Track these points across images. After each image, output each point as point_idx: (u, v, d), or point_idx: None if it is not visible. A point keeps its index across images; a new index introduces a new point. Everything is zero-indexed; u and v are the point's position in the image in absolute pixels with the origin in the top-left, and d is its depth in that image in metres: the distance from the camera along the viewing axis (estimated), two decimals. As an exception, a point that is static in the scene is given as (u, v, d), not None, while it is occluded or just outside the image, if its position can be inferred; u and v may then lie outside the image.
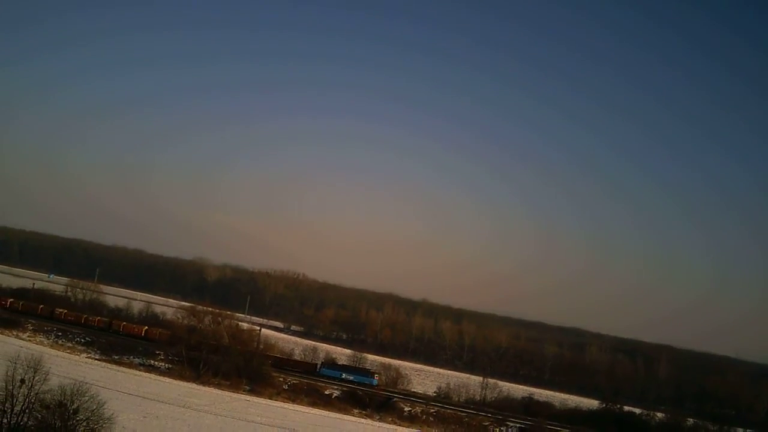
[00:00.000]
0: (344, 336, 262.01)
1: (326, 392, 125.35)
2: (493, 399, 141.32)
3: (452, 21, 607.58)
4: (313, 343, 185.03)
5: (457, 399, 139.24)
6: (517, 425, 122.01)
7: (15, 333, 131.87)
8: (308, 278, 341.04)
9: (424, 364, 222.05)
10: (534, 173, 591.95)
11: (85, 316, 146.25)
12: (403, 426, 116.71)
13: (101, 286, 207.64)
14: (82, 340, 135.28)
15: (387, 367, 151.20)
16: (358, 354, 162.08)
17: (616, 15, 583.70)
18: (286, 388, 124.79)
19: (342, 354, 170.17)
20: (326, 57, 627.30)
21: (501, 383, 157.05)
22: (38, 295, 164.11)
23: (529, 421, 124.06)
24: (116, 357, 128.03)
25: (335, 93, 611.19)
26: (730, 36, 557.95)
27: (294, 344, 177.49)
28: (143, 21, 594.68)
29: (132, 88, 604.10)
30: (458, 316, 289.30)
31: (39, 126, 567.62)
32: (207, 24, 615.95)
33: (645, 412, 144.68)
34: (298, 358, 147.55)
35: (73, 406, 56.53)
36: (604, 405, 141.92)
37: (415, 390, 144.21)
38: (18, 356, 61.35)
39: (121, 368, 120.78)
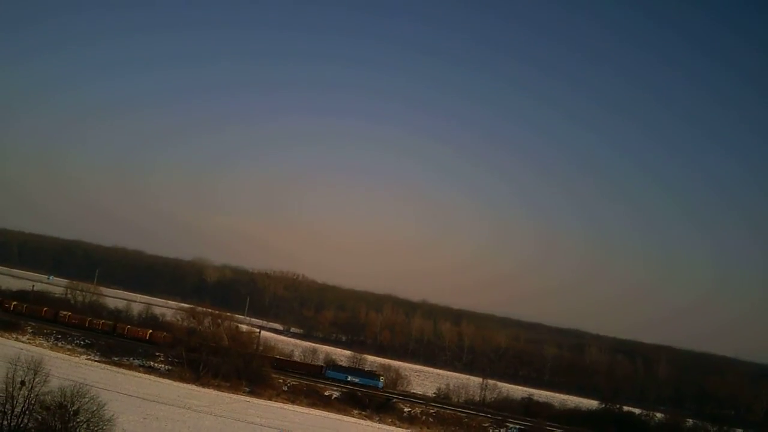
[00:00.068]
0: (344, 338, 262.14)
1: (326, 393, 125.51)
2: (492, 400, 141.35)
3: (452, 21, 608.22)
4: (313, 344, 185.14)
5: (456, 400, 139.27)
6: (517, 426, 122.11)
7: (15, 335, 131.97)
8: (307, 279, 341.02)
9: (424, 365, 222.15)
10: (534, 173, 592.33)
11: (89, 318, 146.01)
12: (402, 427, 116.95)
13: (101, 287, 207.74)
14: (82, 342, 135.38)
15: (386, 369, 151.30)
16: (358, 355, 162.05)
17: (616, 15, 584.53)
18: (286, 389, 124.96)
19: (341, 355, 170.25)
20: (326, 57, 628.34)
21: (500, 384, 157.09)
22: (38, 297, 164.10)
23: (528, 421, 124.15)
24: (116, 359, 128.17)
25: (335, 93, 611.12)
26: (730, 36, 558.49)
27: (294, 346, 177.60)
28: (143, 22, 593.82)
29: (132, 88, 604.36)
30: (457, 317, 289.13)
31: (38, 127, 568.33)
32: (207, 24, 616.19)
33: (644, 412, 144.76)
34: (298, 360, 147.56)
35: (73, 408, 56.68)
36: (603, 405, 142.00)
37: (414, 391, 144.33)
38: (18, 358, 61.53)
39: (121, 370, 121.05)
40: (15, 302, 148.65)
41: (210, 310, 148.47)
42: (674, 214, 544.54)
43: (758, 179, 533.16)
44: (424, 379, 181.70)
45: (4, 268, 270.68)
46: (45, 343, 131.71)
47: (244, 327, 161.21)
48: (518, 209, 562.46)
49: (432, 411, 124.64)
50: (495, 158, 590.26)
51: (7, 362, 62.17)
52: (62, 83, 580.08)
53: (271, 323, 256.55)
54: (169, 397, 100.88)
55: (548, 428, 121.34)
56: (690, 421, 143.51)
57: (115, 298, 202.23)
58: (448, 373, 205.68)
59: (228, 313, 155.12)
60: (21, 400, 57.94)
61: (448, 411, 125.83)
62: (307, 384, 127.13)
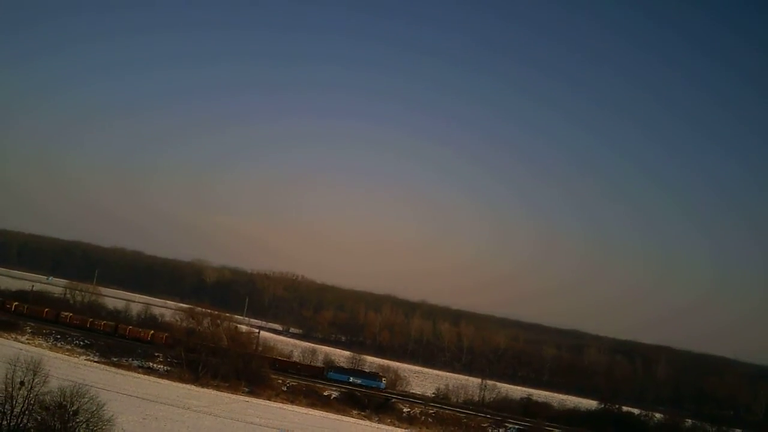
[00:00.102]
0: (343, 338, 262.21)
1: (325, 393, 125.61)
2: (491, 400, 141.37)
3: (452, 22, 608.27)
4: (312, 345, 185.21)
5: (455, 400, 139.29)
6: (516, 426, 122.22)
7: (14, 336, 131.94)
8: (307, 279, 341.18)
9: (423, 366, 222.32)
10: (534, 174, 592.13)
11: (91, 319, 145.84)
12: (401, 427, 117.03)
13: (100, 288, 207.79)
14: (81, 343, 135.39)
15: (386, 369, 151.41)
16: (357, 356, 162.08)
17: (616, 15, 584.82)
18: (285, 389, 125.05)
19: (341, 356, 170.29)
20: (326, 58, 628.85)
21: (499, 384, 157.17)
22: (37, 298, 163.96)
23: (527, 422, 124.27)
24: (115, 359, 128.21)
25: (335, 94, 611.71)
26: (730, 36, 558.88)
27: (293, 346, 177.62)
28: (143, 22, 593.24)
29: (131, 89, 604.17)
30: (457, 317, 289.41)
31: (38, 128, 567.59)
32: (206, 25, 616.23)
33: (643, 412, 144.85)
34: (297, 360, 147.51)
35: (72, 408, 56.69)
36: (602, 406, 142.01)
37: (413, 391, 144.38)
38: (17, 359, 61.56)
39: (120, 370, 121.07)
40: (16, 303, 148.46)
41: (209, 311, 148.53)
42: (674, 214, 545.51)
43: (758, 179, 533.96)
44: (423, 379, 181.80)
45: (4, 268, 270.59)
46: (44, 344, 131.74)
47: (243, 327, 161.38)
48: (518, 210, 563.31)
49: (431, 411, 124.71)
50: (495, 159, 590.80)
51: (6, 362, 62.22)
52: (62, 84, 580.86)
53: (270, 324, 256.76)
54: (168, 398, 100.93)
55: (547, 428, 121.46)
56: (689, 422, 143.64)
57: (114, 298, 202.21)
58: (447, 373, 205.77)
59: (227, 314, 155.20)
60: (20, 400, 57.93)
61: (447, 411, 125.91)
62: (306, 384, 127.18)
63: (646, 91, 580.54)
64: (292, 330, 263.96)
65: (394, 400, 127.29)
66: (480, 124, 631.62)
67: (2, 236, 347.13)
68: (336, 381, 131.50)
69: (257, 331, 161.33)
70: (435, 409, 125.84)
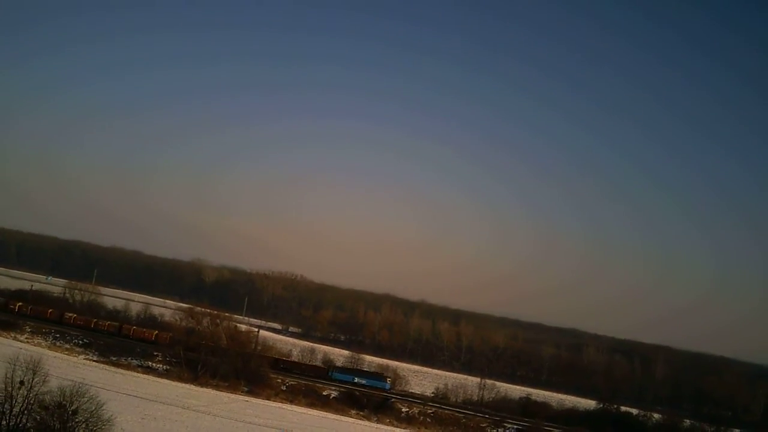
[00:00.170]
0: (342, 337, 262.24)
1: (324, 393, 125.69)
2: (490, 400, 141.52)
3: (452, 22, 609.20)
4: (311, 344, 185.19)
5: (454, 400, 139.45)
6: (515, 426, 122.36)
7: (13, 335, 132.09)
8: (306, 279, 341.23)
9: (422, 366, 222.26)
10: (533, 174, 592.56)
11: (95, 320, 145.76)
12: (400, 427, 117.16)
13: (99, 287, 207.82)
14: (80, 342, 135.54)
15: (385, 369, 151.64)
16: (356, 355, 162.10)
17: (616, 15, 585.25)
18: (284, 389, 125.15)
19: (340, 355, 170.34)
20: (326, 58, 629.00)
21: (498, 384, 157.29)
22: (37, 297, 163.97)
23: (526, 421, 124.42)
24: (114, 358, 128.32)
25: (335, 94, 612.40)
26: (730, 36, 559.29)
27: (292, 346, 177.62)
28: (143, 23, 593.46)
29: (131, 89, 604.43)
30: (456, 317, 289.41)
31: (38, 128, 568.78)
32: (206, 26, 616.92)
33: (642, 412, 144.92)
34: (302, 361, 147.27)
35: (72, 408, 56.70)
36: (601, 405, 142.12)
37: (412, 391, 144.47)
38: (17, 358, 61.61)
39: (119, 370, 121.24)
40: (20, 303, 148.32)
41: (208, 310, 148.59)
42: (674, 214, 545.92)
43: (758, 179, 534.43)
44: (422, 379, 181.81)
45: (3, 268, 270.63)
46: (43, 343, 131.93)
47: (242, 327, 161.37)
48: (518, 210, 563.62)
49: (430, 411, 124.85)
50: (494, 159, 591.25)
51: (5, 362, 62.26)
52: (62, 84, 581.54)
53: (269, 323, 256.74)
54: (167, 397, 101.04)
55: (546, 428, 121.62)
56: (687, 422, 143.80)
57: (113, 297, 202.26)
58: (446, 373, 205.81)
59: (226, 313, 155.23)
60: (20, 399, 57.94)
61: (446, 411, 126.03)
62: (305, 384, 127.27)
63: (646, 91, 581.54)
64: (291, 329, 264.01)
65: (393, 399, 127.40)
66: (480, 124, 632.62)
67: (1, 235, 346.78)
68: (341, 381, 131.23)
69: (256, 330, 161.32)
70: (434, 409, 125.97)
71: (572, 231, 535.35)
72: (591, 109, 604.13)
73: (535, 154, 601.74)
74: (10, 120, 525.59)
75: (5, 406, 57.71)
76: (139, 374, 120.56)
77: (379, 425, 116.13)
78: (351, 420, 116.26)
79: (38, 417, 57.36)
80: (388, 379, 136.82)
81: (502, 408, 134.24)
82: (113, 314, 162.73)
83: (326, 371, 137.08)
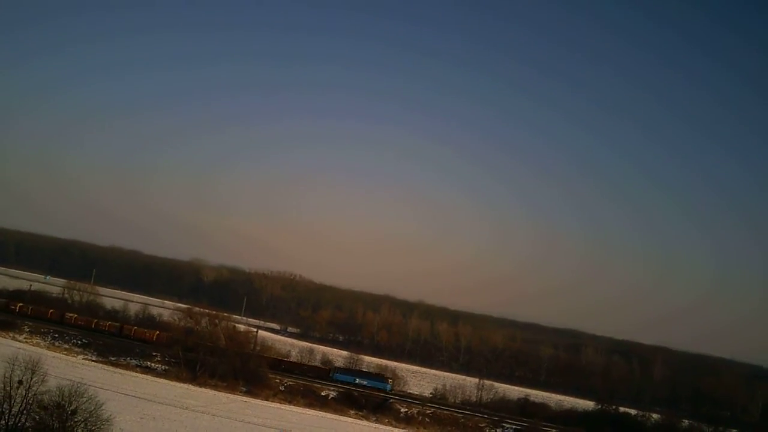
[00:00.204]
0: (341, 337, 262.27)
1: (322, 393, 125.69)
2: (489, 400, 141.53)
3: (452, 22, 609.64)
4: (310, 344, 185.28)
5: (453, 400, 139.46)
6: (513, 426, 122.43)
7: (11, 335, 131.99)
8: (305, 279, 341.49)
9: (421, 366, 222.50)
10: (533, 174, 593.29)
11: (96, 320, 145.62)
12: (399, 427, 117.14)
13: (98, 287, 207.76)
14: (79, 342, 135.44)
15: (383, 369, 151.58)
16: (355, 356, 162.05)
17: (616, 15, 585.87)
18: (283, 389, 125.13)
19: (338, 356, 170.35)
20: (326, 58, 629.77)
21: (497, 384, 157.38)
22: (35, 297, 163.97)
23: (524, 422, 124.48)
24: (113, 358, 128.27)
25: (335, 94, 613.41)
26: (730, 36, 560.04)
27: (291, 346, 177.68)
28: (143, 23, 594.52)
29: (131, 90, 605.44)
30: (454, 317, 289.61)
31: (38, 128, 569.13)
32: (206, 26, 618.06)
33: (640, 413, 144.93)
34: (296, 360, 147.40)
35: (71, 407, 56.66)
36: (599, 406, 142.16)
37: (411, 391, 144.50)
38: (16, 358, 61.59)
39: (118, 369, 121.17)
40: (21, 304, 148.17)
41: (207, 310, 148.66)
42: (674, 214, 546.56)
43: (758, 179, 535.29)
44: (420, 379, 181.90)
45: (1, 267, 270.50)
46: (42, 343, 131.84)
47: (241, 327, 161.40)
48: (517, 210, 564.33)
49: (429, 411, 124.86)
50: (494, 159, 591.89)
51: (4, 361, 62.25)
52: (62, 84, 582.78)
53: (268, 323, 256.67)
54: (166, 397, 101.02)
55: (544, 429, 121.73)
56: (686, 422, 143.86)
57: (112, 297, 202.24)
58: (445, 373, 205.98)
59: (225, 313, 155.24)
60: (18, 399, 57.89)
61: (444, 411, 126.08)
62: (304, 384, 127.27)
63: (646, 91, 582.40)
64: (289, 329, 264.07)
65: (391, 400, 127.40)
66: (480, 124, 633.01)
67: (0, 235, 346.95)
68: (342, 382, 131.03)
69: (255, 330, 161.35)
70: (432, 409, 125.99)
71: (572, 231, 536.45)
72: (591, 109, 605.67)
73: (535, 154, 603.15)
74: (9, 120, 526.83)
75: (4, 406, 57.62)
76: (137, 374, 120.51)
77: (377, 425, 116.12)
78: (350, 420, 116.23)
79: (37, 417, 57.31)
80: (390, 380, 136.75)
81: (501, 408, 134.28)
82: (112, 314, 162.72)
83: (328, 372, 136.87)
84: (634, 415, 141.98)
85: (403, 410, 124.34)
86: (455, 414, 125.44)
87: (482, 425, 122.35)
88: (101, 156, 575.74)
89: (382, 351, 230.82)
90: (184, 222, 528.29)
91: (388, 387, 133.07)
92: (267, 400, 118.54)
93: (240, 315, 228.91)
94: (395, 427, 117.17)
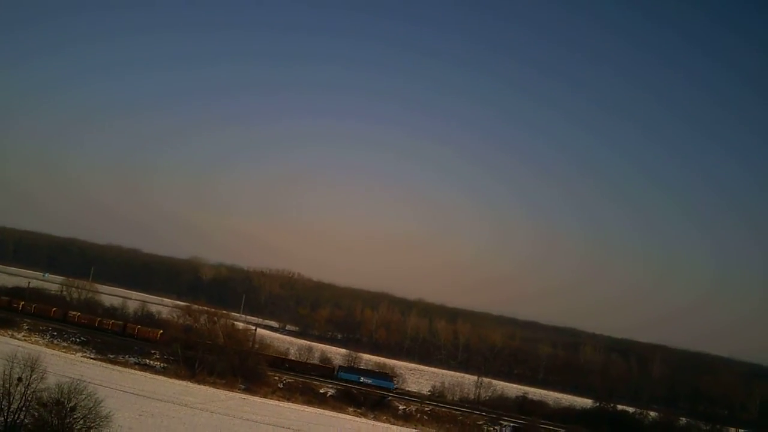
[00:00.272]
0: (339, 335, 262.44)
1: (321, 391, 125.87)
2: (487, 398, 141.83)
3: (452, 22, 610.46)
4: (308, 342, 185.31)
5: (451, 398, 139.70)
6: (511, 424, 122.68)
7: (10, 333, 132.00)
8: (303, 277, 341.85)
9: (419, 364, 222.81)
10: (533, 173, 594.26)
11: (99, 318, 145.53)
12: (397, 424, 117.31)
13: (96, 285, 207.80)
14: (78, 340, 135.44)
15: (382, 367, 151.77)
16: (354, 353, 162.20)
17: (616, 15, 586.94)
18: (281, 386, 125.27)
19: (337, 354, 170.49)
20: (326, 58, 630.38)
21: (495, 382, 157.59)
22: (34, 295, 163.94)
23: (523, 419, 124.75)
24: (111, 356, 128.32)
25: (335, 94, 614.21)
26: (730, 36, 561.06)
27: (289, 344, 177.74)
28: (143, 23, 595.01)
29: (131, 89, 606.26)
30: (453, 315, 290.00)
31: (38, 127, 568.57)
32: (206, 26, 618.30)
33: (638, 411, 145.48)
34: (297, 359, 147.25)
35: (70, 404, 56.88)
36: (597, 404, 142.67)
37: (409, 389, 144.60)
38: (15, 355, 61.76)
39: (117, 367, 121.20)
40: (23, 302, 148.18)
41: (206, 308, 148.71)
42: (674, 214, 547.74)
43: (758, 179, 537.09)
44: (419, 377, 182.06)
45: (0, 265, 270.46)
46: (40, 340, 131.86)
47: (239, 325, 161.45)
48: (517, 210, 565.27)
49: (427, 409, 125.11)
50: (494, 159, 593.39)
51: (3, 359, 62.41)
52: (62, 84, 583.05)
53: (266, 321, 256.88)
54: (164, 394, 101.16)
55: (542, 426, 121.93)
56: (683, 420, 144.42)
57: (110, 295, 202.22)
58: (443, 371, 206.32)
59: (224, 311, 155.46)
60: (18, 396, 58.12)
61: (443, 409, 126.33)
62: (302, 382, 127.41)
63: (646, 91, 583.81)
64: (288, 327, 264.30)
65: (390, 397, 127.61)
66: (480, 124, 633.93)
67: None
68: (347, 381, 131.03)
69: (254, 328, 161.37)
70: (431, 407, 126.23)
71: (572, 231, 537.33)
72: (591, 109, 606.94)
73: (535, 154, 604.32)
74: (9, 119, 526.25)
75: (3, 403, 57.86)
76: (136, 371, 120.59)
77: (376, 422, 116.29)
78: (348, 417, 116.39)
79: (36, 414, 57.51)
80: (394, 379, 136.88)
81: (499, 406, 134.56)
82: (110, 312, 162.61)
83: (332, 371, 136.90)
84: (632, 413, 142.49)
85: (401, 408, 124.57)
86: (453, 411, 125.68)
87: (480, 423, 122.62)
88: (101, 155, 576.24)
89: (380, 349, 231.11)
90: (184, 220, 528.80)
91: (392, 385, 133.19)
92: (265, 397, 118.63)
93: (238, 313, 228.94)
94: (393, 424, 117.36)
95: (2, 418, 57.91)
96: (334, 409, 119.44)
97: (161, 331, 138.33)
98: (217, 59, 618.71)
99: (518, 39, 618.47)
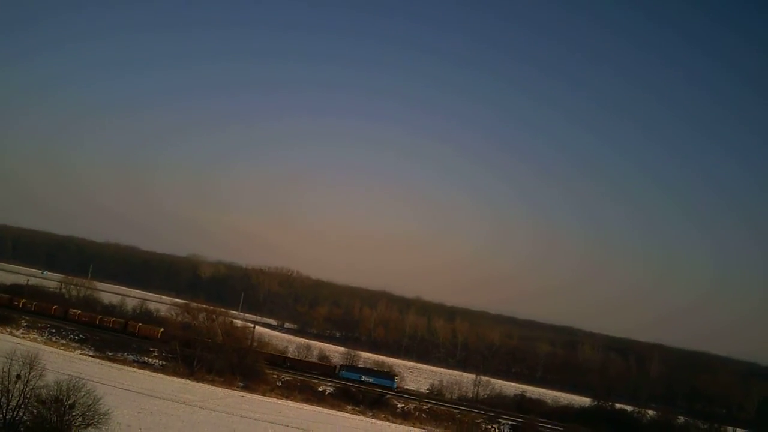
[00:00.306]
0: (337, 333, 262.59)
1: (319, 389, 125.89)
2: (485, 396, 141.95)
3: (452, 21, 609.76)
4: (307, 340, 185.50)
5: (449, 396, 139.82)
6: (509, 422, 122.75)
7: (8, 330, 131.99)
8: (302, 275, 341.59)
9: (417, 362, 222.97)
10: (533, 173, 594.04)
11: (100, 316, 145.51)
12: (395, 423, 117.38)
13: (95, 282, 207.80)
14: (76, 337, 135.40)
15: (380, 365, 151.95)
16: (352, 352, 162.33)
17: (616, 15, 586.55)
18: (280, 384, 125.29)
19: (335, 352, 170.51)
20: (326, 57, 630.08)
21: (493, 381, 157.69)
22: (32, 292, 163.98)
23: (521, 418, 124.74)
24: (110, 353, 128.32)
25: (335, 93, 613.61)
26: (730, 36, 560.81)
27: (288, 342, 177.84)
28: (144, 20, 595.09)
29: (131, 87, 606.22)
30: (451, 314, 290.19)
31: (38, 125, 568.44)
32: (208, 24, 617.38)
33: (636, 410, 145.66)
34: (297, 357, 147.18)
35: (69, 402, 56.92)
36: (595, 403, 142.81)
37: (408, 387, 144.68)
38: (14, 352, 61.78)
39: (115, 365, 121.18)
40: (24, 299, 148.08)
41: (204, 306, 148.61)
42: (674, 214, 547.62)
43: (758, 179, 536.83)
44: (417, 375, 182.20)
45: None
46: (39, 338, 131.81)
47: (238, 322, 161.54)
48: (517, 209, 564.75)
49: (425, 407, 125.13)
50: (495, 158, 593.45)
51: (2, 356, 62.42)
52: (62, 81, 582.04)
53: (265, 319, 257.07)
54: (163, 392, 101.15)
55: (540, 425, 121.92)
56: (681, 419, 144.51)
57: (109, 293, 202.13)
58: (442, 369, 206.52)
59: (222, 309, 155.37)
60: (16, 393, 58.15)
61: (441, 407, 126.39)
62: (300, 380, 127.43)
63: (646, 91, 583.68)
64: (287, 325, 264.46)
65: (388, 395, 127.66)
66: (480, 123, 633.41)
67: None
68: (348, 380, 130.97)
69: (252, 326, 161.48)
70: (429, 405, 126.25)
71: (572, 230, 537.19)
72: (591, 109, 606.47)
73: (535, 153, 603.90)
74: (9, 117, 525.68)
75: (2, 400, 57.86)
76: (135, 369, 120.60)
77: (374, 421, 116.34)
78: (347, 415, 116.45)
79: (35, 411, 57.53)
80: (396, 378, 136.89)
81: (497, 404, 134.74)
82: (109, 310, 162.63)
83: (334, 369, 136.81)
84: (630, 412, 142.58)
85: (399, 406, 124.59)
86: (452, 410, 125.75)
87: (479, 421, 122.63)
88: (100, 153, 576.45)
89: (379, 347, 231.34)
90: (183, 218, 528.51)
91: (394, 384, 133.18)
92: (264, 395, 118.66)
93: (237, 311, 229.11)
94: (392, 422, 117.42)
95: (1, 416, 57.93)
96: (332, 407, 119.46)
97: (162, 329, 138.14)
98: (217, 57, 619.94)
99: (519, 38, 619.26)
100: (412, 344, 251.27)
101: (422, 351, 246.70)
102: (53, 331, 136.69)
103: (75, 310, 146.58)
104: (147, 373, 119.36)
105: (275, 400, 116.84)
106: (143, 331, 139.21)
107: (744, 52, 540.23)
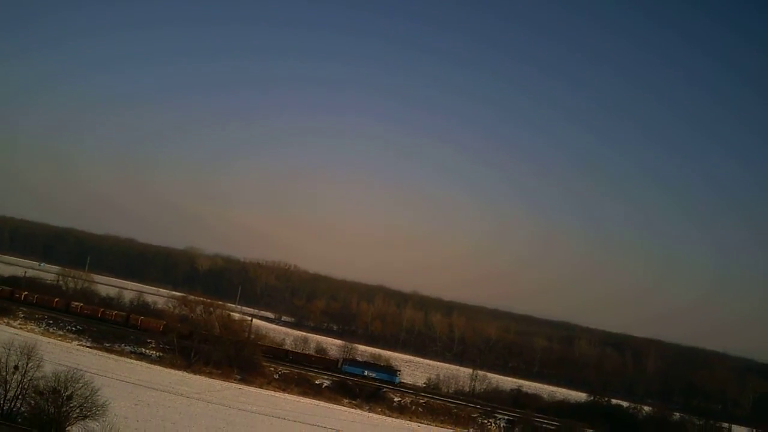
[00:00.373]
0: (335, 327, 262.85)
1: (316, 382, 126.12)
2: (482, 391, 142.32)
3: (453, 20, 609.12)
4: (304, 333, 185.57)
5: (446, 390, 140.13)
6: (506, 417, 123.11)
7: (6, 321, 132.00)
8: (299, 269, 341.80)
9: (414, 356, 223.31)
10: (533, 172, 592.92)
11: (102, 309, 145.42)
12: (392, 416, 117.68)
13: (92, 275, 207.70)
14: (73, 329, 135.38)
15: (377, 358, 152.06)
16: (349, 345, 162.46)
17: (616, 15, 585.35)
18: (277, 377, 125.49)
19: (333, 345, 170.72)
20: (327, 55, 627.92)
21: (490, 375, 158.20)
22: (30, 284, 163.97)
23: (517, 413, 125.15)
24: (108, 345, 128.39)
25: (335, 90, 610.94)
26: (730, 36, 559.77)
27: (285, 335, 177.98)
28: (144, 17, 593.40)
29: (132, 84, 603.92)
30: (448, 308, 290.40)
31: (38, 121, 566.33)
32: (209, 21, 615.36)
33: (632, 405, 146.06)
34: (293, 350, 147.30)
35: (66, 393, 57.00)
36: (592, 398, 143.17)
37: (404, 381, 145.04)
38: (11, 343, 61.82)
39: (113, 356, 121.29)
40: (26, 292, 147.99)
41: (202, 299, 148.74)
42: (674, 214, 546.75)
43: (758, 179, 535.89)
44: (414, 369, 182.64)
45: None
46: (36, 329, 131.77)
47: (235, 315, 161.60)
48: (517, 208, 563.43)
49: (422, 401, 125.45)
50: (494, 157, 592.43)
51: (0, 347, 62.45)
52: (62, 78, 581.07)
53: (262, 312, 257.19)
54: (160, 384, 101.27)
55: (536, 420, 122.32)
56: (677, 415, 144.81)
57: (106, 285, 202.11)
58: (439, 363, 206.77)
59: (220, 302, 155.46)
60: (14, 384, 58.24)
61: (437, 401, 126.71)
62: (297, 373, 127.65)
63: (646, 91, 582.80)
64: (284, 318, 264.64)
65: (385, 389, 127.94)
66: (480, 122, 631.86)
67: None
68: (351, 374, 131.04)
69: (249, 319, 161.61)
70: (425, 399, 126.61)
71: (571, 230, 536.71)
72: (591, 109, 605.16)
73: (535, 152, 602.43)
74: (9, 112, 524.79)
75: (-1, 391, 58.00)
76: (132, 361, 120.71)
77: (371, 414, 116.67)
78: (343, 408, 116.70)
79: (33, 402, 57.65)
80: (399, 373, 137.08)
81: (494, 399, 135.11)
82: (107, 302, 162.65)
83: (335, 363, 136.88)
84: (627, 407, 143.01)
85: (396, 399, 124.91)
86: (448, 404, 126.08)
87: (475, 415, 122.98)
88: (100, 148, 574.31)
89: (376, 341, 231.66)
90: (180, 211, 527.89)
91: (397, 379, 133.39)
92: (261, 387, 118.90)
93: (234, 304, 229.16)
94: (388, 416, 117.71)
95: (-1, 406, 58.06)
96: (329, 400, 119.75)
97: (164, 323, 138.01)
98: (217, 54, 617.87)
99: (519, 38, 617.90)
100: (409, 338, 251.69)
101: (419, 345, 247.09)
102: (51, 322, 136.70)
103: (77, 303, 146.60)
104: (144, 364, 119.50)
105: (272, 392, 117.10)
106: (145, 323, 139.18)
107: (744, 52, 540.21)
